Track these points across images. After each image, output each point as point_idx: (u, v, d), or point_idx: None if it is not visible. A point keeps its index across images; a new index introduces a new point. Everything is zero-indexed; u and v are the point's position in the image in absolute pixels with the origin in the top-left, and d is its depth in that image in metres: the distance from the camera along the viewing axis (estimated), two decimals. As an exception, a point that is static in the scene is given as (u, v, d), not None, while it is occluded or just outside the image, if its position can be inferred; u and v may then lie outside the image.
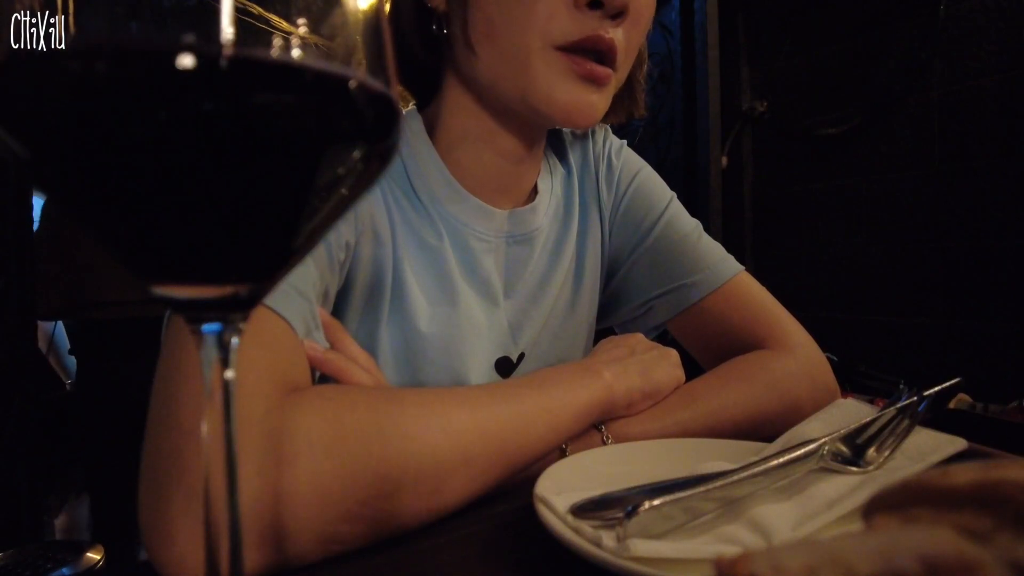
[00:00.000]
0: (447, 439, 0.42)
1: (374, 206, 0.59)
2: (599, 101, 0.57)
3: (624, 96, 0.67)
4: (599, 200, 0.74)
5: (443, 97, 0.64)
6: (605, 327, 0.79)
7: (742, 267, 0.70)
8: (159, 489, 0.35)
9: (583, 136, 0.76)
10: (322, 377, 0.49)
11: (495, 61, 0.56)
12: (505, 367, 0.67)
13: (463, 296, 0.63)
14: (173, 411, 0.37)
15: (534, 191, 0.69)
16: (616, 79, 0.58)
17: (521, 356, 0.68)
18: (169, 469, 0.35)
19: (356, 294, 0.58)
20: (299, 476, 0.36)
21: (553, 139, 0.75)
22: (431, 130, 0.64)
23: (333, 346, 0.49)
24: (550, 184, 0.72)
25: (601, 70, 0.55)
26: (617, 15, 0.54)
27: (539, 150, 0.68)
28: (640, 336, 0.62)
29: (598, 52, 0.55)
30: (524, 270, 0.68)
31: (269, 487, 0.35)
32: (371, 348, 0.59)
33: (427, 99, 0.67)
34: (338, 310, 0.58)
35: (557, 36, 0.53)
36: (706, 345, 0.71)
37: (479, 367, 0.64)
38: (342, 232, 0.55)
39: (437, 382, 0.61)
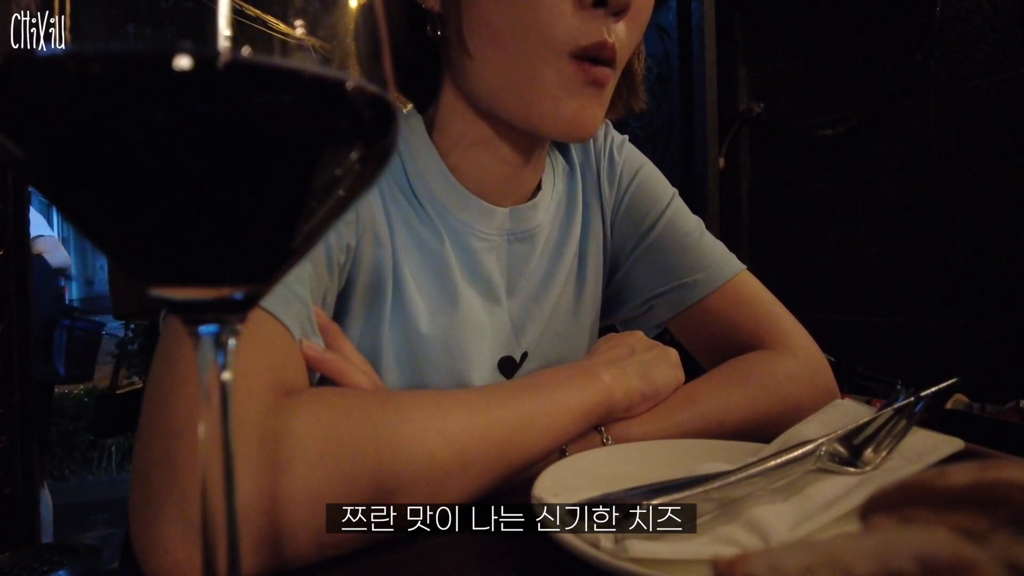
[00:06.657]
0: (444, 443, 0.41)
1: (373, 207, 0.58)
2: (600, 112, 0.56)
3: (623, 90, 0.65)
4: (600, 196, 0.73)
5: (441, 101, 0.63)
6: (607, 325, 0.79)
7: (744, 266, 0.70)
8: (150, 494, 0.35)
9: None
10: (320, 379, 0.49)
11: (497, 70, 0.55)
12: (508, 367, 0.66)
13: (464, 296, 0.62)
14: (165, 414, 0.36)
15: (537, 187, 0.68)
16: (614, 78, 0.57)
17: (524, 355, 0.67)
18: (160, 474, 0.35)
19: (357, 297, 0.58)
20: (294, 482, 0.36)
21: None
22: (430, 131, 0.63)
23: (330, 348, 0.49)
24: (552, 180, 0.70)
25: (602, 72, 0.54)
26: (620, 12, 0.53)
27: (542, 153, 0.67)
28: (640, 334, 0.62)
29: (601, 59, 0.54)
30: (526, 268, 0.67)
31: (264, 492, 0.35)
32: (374, 350, 0.58)
33: (425, 103, 0.65)
34: (339, 313, 0.58)
35: (565, 41, 0.52)
36: (707, 345, 0.71)
37: (482, 367, 0.63)
38: (343, 234, 0.54)
39: (439, 383, 0.60)
